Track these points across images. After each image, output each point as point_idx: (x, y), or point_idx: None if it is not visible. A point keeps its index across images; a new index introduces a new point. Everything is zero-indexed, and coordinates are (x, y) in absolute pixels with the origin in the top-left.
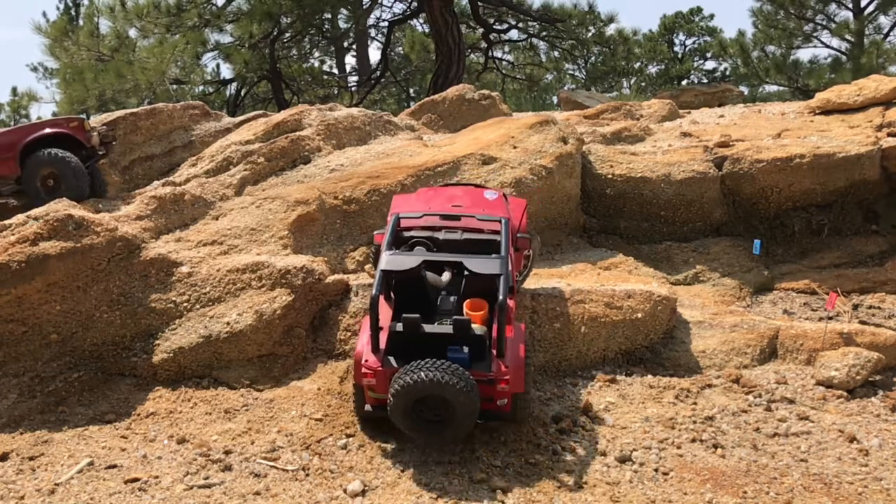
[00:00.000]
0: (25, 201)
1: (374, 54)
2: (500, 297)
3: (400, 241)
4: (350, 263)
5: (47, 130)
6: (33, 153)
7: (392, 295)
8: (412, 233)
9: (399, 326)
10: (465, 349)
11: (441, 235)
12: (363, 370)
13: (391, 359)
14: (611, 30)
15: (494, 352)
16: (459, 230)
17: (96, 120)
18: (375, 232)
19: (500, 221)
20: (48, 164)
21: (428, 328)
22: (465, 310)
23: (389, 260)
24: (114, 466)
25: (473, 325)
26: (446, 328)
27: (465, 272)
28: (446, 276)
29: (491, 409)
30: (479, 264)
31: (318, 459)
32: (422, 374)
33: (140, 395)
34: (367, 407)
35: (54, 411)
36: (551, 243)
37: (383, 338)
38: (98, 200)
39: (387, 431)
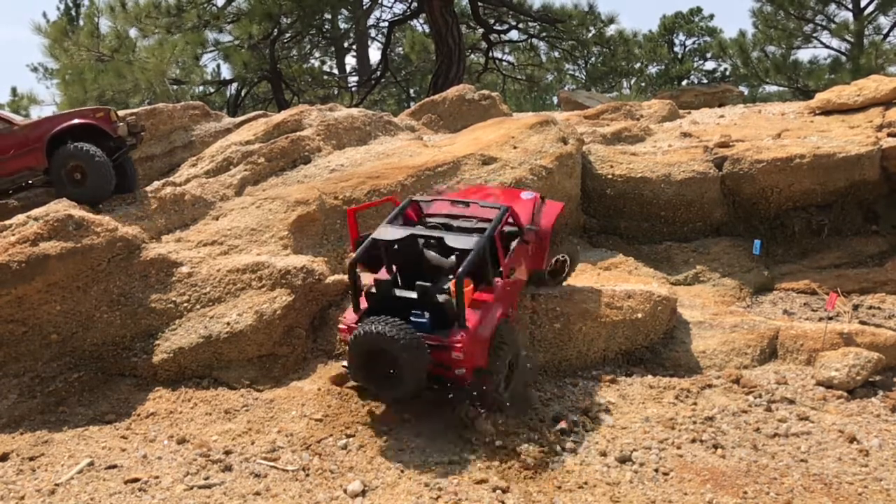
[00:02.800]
0: (25, 202)
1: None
2: (460, 271)
3: (404, 223)
4: None
5: (74, 121)
6: (60, 145)
7: (393, 269)
8: (432, 219)
9: (373, 289)
10: (427, 315)
11: (457, 223)
12: (340, 327)
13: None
14: (611, 30)
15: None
16: (475, 219)
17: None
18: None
19: (499, 208)
20: (74, 157)
21: (398, 292)
22: (450, 286)
23: (380, 230)
24: (114, 466)
25: (439, 295)
26: (412, 294)
27: (456, 252)
28: (452, 258)
29: (447, 377)
30: (456, 240)
31: (318, 459)
32: (372, 327)
33: (140, 396)
34: (343, 363)
35: (54, 411)
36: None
37: (364, 301)
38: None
39: (387, 431)
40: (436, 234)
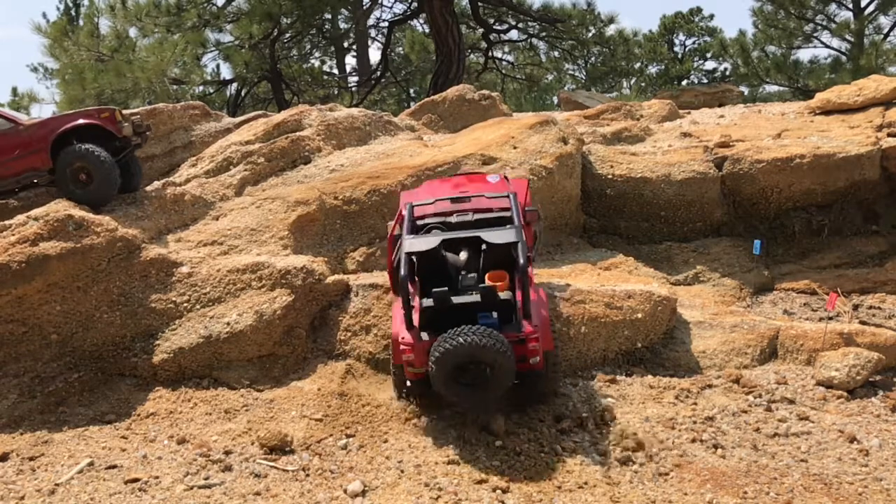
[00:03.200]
0: (25, 202)
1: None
2: (521, 262)
3: (416, 229)
4: (350, 264)
5: (79, 122)
6: (65, 146)
7: (416, 278)
8: (426, 220)
9: (429, 301)
10: (494, 314)
11: (453, 219)
12: (401, 347)
13: (424, 333)
14: (611, 30)
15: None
16: (470, 211)
17: None
18: (388, 223)
19: (508, 197)
20: (80, 158)
21: (457, 299)
22: (486, 281)
23: (412, 242)
24: (114, 467)
25: (499, 292)
26: (474, 297)
27: (483, 247)
28: (463, 255)
29: (525, 369)
30: (497, 235)
31: (318, 459)
32: (460, 339)
33: (140, 396)
34: (409, 382)
35: (54, 411)
36: (551, 243)
37: (415, 316)
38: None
39: (387, 431)
40: (470, 234)
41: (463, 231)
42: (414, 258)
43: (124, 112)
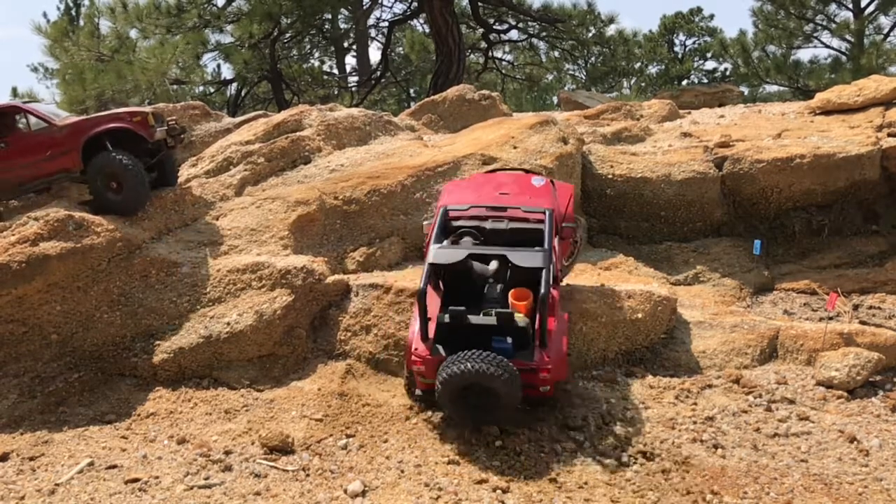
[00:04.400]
0: (26, 202)
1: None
2: (542, 291)
3: (448, 231)
4: (350, 264)
5: (109, 125)
6: (98, 151)
7: (440, 285)
8: (460, 222)
9: (446, 318)
10: (509, 339)
11: (487, 224)
12: (413, 358)
13: (439, 347)
14: (611, 30)
15: (538, 342)
16: (506, 219)
17: None
18: (424, 222)
19: (544, 213)
20: (110, 166)
21: (473, 319)
22: (509, 299)
23: (437, 253)
24: (114, 467)
25: (517, 316)
26: (490, 320)
27: (510, 263)
28: (493, 265)
29: (533, 395)
30: (523, 257)
31: (318, 459)
32: (467, 364)
33: (140, 396)
34: (418, 391)
35: (54, 411)
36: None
37: (432, 327)
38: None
39: (387, 431)
40: (496, 251)
41: (490, 248)
42: (438, 269)
43: (159, 113)
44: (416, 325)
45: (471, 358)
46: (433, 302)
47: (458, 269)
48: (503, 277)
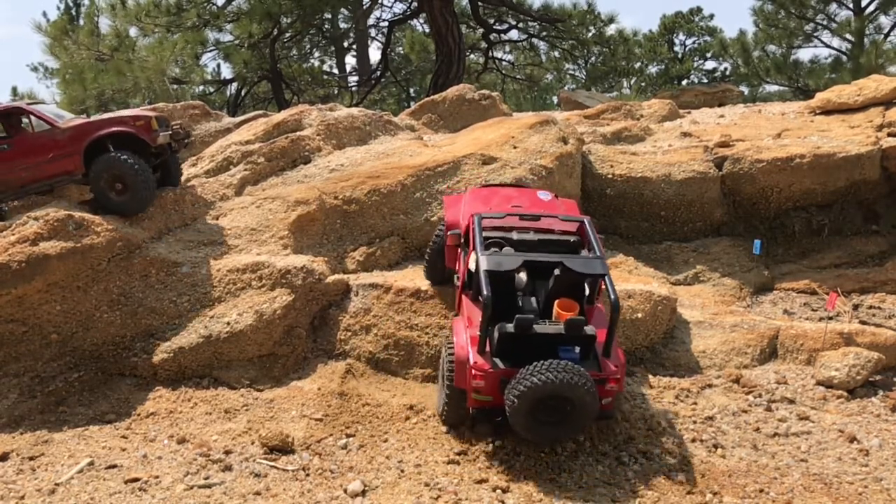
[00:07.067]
0: (26, 201)
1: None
2: (613, 297)
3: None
4: (350, 263)
5: (111, 130)
6: (100, 153)
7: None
8: (486, 233)
9: (510, 328)
10: (577, 349)
11: (514, 235)
12: (473, 372)
13: (498, 361)
14: (611, 30)
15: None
16: (531, 230)
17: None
18: (450, 233)
19: (582, 222)
20: (113, 166)
21: (540, 329)
22: (555, 310)
23: (490, 261)
24: (114, 466)
25: (586, 327)
26: (558, 328)
27: (556, 272)
28: (523, 276)
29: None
30: (583, 264)
31: (318, 459)
32: (550, 374)
33: (140, 395)
34: (472, 410)
35: (54, 411)
36: None
37: (473, 336)
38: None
39: (387, 431)
40: (552, 258)
41: (548, 255)
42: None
43: (163, 117)
44: (464, 337)
45: (553, 368)
46: (474, 314)
47: (504, 279)
48: (531, 289)
